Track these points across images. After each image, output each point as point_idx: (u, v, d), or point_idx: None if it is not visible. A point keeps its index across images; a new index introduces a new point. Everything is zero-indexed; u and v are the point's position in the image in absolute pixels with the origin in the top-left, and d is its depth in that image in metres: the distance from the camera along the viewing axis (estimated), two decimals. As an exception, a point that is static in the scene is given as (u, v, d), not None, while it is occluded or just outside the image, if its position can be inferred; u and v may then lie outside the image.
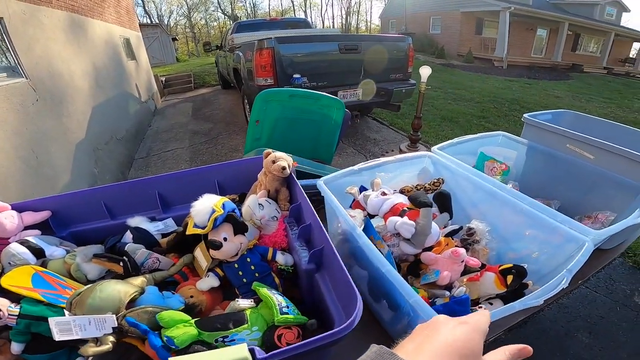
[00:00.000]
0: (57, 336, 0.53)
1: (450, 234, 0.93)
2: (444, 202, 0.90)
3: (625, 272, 2.51)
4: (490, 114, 6.51)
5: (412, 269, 0.86)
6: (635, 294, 2.29)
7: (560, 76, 13.72)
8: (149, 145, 5.86)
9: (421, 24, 19.79)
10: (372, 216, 1.01)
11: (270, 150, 0.92)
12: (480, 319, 0.41)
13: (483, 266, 0.85)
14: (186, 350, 0.55)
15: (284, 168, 0.87)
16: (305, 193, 1.14)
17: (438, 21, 18.77)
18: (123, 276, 0.77)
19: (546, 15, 15.99)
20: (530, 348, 0.41)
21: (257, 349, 0.47)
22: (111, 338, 0.56)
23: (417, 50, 17.64)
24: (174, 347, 0.54)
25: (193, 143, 5.60)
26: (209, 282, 0.73)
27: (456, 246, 0.98)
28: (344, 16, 40.44)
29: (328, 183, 1.08)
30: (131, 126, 5.79)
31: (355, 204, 1.05)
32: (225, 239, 0.71)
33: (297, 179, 1.31)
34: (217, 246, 0.70)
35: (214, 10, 37.98)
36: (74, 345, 0.63)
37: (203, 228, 0.70)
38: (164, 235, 0.97)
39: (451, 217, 0.90)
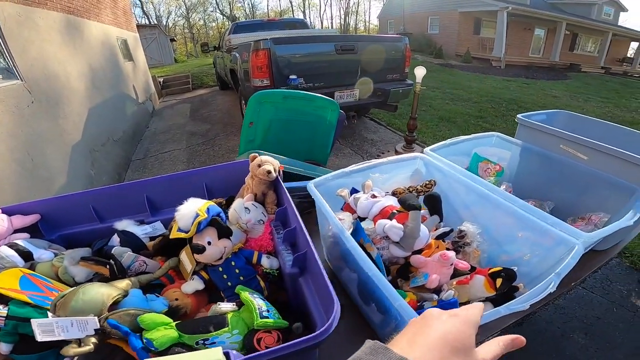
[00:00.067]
0: (40, 337, 0.54)
1: (441, 237, 0.92)
2: (434, 204, 0.89)
3: (622, 272, 2.50)
4: (487, 114, 6.51)
5: (402, 271, 0.86)
6: (632, 294, 2.28)
7: (558, 76, 13.73)
8: (146, 147, 5.85)
9: (419, 24, 19.81)
10: (362, 219, 1.00)
11: (256, 154, 0.92)
12: (471, 311, 0.42)
13: (473, 269, 0.84)
14: (166, 352, 0.56)
15: (269, 172, 0.87)
16: (298, 195, 1.14)
17: (436, 21, 18.79)
18: (109, 279, 0.78)
19: (544, 15, 16.01)
20: (523, 338, 0.42)
21: (232, 352, 0.47)
22: (93, 339, 0.57)
23: (415, 51, 17.68)
24: (153, 348, 0.55)
25: (190, 144, 5.59)
26: (194, 285, 0.73)
27: (447, 249, 0.97)
28: (343, 16, 40.47)
29: (319, 186, 1.07)
30: (128, 127, 5.78)
31: (346, 207, 1.04)
32: (209, 243, 0.71)
33: (291, 181, 1.31)
34: (200, 250, 0.70)
35: (212, 11, 37.97)
36: (62, 346, 0.63)
37: (187, 232, 0.70)
38: (152, 239, 0.97)
39: (441, 220, 0.89)
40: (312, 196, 0.99)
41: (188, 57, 26.79)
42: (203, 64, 14.97)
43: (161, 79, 10.93)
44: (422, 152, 1.27)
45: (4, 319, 0.65)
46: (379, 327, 0.86)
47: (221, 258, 0.74)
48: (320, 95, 1.87)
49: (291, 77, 3.60)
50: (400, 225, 0.80)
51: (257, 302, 0.61)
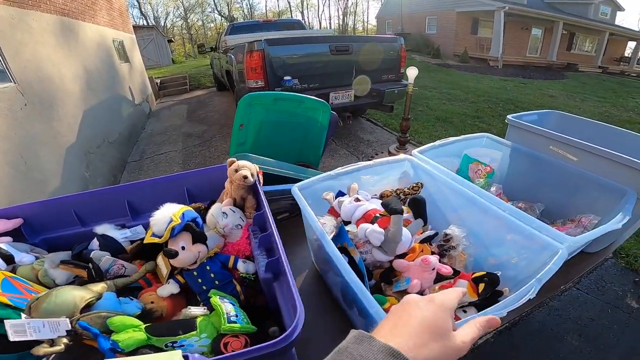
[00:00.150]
0: (12, 337, 0.55)
1: (426, 240, 0.91)
2: (418, 208, 0.88)
3: (617, 273, 2.49)
4: (484, 114, 6.50)
5: (385, 276, 0.84)
6: (628, 295, 2.26)
7: (555, 75, 13.75)
8: (142, 148, 5.84)
9: (417, 24, 19.83)
10: (347, 222, 0.99)
11: (234, 159, 0.91)
12: (447, 296, 0.44)
13: (457, 273, 0.83)
14: (134, 353, 0.57)
15: (245, 177, 0.86)
16: (289, 198, 1.13)
17: (434, 21, 18.80)
18: (88, 282, 0.79)
19: (541, 14, 16.04)
20: (498, 319, 0.46)
21: (195, 355, 0.47)
22: (65, 340, 0.58)
23: (413, 51, 17.71)
24: (119, 350, 0.56)
25: (186, 146, 5.58)
26: (169, 288, 0.74)
27: (433, 252, 0.96)
28: (341, 17, 40.49)
29: (304, 189, 1.06)
30: (124, 129, 5.76)
31: (331, 210, 1.02)
32: (183, 248, 0.72)
33: (282, 184, 1.30)
34: (173, 255, 0.71)
35: (210, 12, 37.95)
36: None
37: (160, 237, 0.71)
38: (133, 242, 0.97)
39: (425, 223, 0.88)
40: (296, 199, 0.98)
41: (186, 58, 26.79)
42: (200, 65, 14.95)
43: (158, 80, 10.91)
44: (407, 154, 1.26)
45: None
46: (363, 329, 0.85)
47: (195, 262, 0.75)
48: (310, 96, 1.86)
49: (285, 78, 3.58)
50: (381, 230, 0.79)
51: (226, 307, 0.62)
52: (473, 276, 0.79)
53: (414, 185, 1.11)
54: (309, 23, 41.41)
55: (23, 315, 0.64)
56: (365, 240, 0.84)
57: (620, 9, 20.50)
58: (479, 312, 0.71)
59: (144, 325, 0.61)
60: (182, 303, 0.78)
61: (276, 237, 0.66)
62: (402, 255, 0.87)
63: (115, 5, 7.27)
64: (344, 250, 0.89)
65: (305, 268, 1.25)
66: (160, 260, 0.79)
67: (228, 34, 6.56)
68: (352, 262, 0.85)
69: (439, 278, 0.83)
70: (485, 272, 0.78)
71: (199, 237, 0.75)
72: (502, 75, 12.45)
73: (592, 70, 16.89)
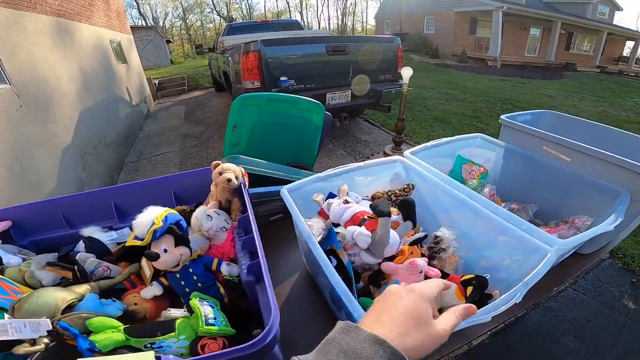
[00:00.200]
0: None
1: (416, 242, 0.90)
2: (407, 210, 0.87)
3: (614, 273, 2.48)
4: (482, 113, 6.50)
5: (374, 278, 0.83)
6: (625, 296, 2.25)
7: (553, 75, 13.76)
8: (139, 149, 5.82)
9: (415, 24, 19.84)
10: (338, 224, 0.98)
11: (218, 162, 0.91)
12: (427, 286, 0.47)
13: (446, 276, 0.82)
14: (112, 353, 0.58)
15: (229, 180, 0.86)
16: (279, 199, 1.12)
17: (432, 21, 18.81)
18: (73, 283, 0.81)
19: (539, 14, 16.05)
20: (474, 307, 0.49)
21: (167, 356, 0.48)
22: (45, 340, 0.60)
23: (411, 51, 17.72)
24: (97, 350, 0.58)
25: (184, 147, 5.56)
26: (152, 290, 0.75)
27: (423, 254, 0.95)
28: (340, 17, 40.50)
29: (294, 191, 1.05)
30: (121, 130, 5.75)
31: (320, 212, 1.01)
32: (165, 251, 0.72)
33: (275, 185, 1.29)
34: (154, 257, 0.71)
35: (209, 12, 37.92)
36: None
37: (142, 240, 0.72)
38: (119, 244, 0.96)
39: (414, 226, 0.87)
40: (284, 201, 0.97)
41: (185, 58, 26.75)
42: (199, 66, 14.94)
43: (156, 81, 10.89)
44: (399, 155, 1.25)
45: None
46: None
47: (178, 265, 0.75)
48: (304, 97, 1.85)
49: (282, 78, 3.58)
50: (368, 233, 0.78)
51: (205, 310, 0.63)
52: (462, 279, 0.78)
53: (405, 186, 1.10)
54: (308, 23, 41.45)
55: (6, 315, 0.66)
56: (353, 242, 0.83)
57: (619, 8, 20.53)
58: (468, 315, 0.71)
59: (123, 327, 0.62)
60: (167, 305, 0.78)
61: (257, 240, 0.65)
62: (391, 258, 0.85)
63: (113, 6, 7.26)
64: (332, 253, 0.89)
65: (297, 269, 1.24)
66: (144, 262, 0.80)
67: (225, 35, 6.54)
68: (340, 264, 0.84)
69: (428, 281, 0.81)
70: (474, 275, 0.77)
71: (181, 240, 0.75)
72: (500, 75, 12.45)
73: (591, 70, 16.90)
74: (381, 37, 4.56)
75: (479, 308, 0.67)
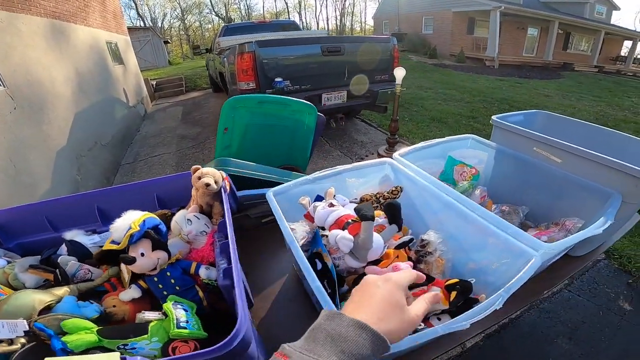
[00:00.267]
0: None
1: (402, 246, 0.89)
2: (393, 213, 0.86)
3: (610, 274, 2.46)
4: (479, 114, 6.49)
5: (358, 282, 0.82)
6: (620, 297, 2.23)
7: (551, 75, 13.77)
8: (136, 151, 5.81)
9: (413, 25, 19.85)
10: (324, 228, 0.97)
11: (198, 166, 0.90)
12: (402, 276, 0.53)
13: (431, 280, 0.81)
14: (86, 354, 0.60)
15: (207, 185, 0.85)
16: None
17: (430, 21, 18.82)
18: (55, 285, 0.83)
19: (536, 14, 16.07)
20: (440, 295, 0.57)
21: (134, 357, 0.50)
22: (22, 340, 0.62)
23: (409, 51, 17.73)
24: (69, 350, 0.59)
25: (180, 148, 5.55)
26: (130, 293, 0.76)
27: (409, 258, 0.94)
28: (339, 17, 40.50)
29: (279, 194, 1.04)
30: (117, 131, 5.73)
31: (306, 215, 1.00)
32: (142, 254, 0.73)
33: (266, 188, 1.28)
34: (129, 261, 0.72)
35: (208, 13, 37.89)
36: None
37: (119, 244, 0.73)
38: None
39: (400, 229, 0.86)
40: (270, 205, 0.96)
41: (184, 59, 26.70)
42: (197, 66, 14.93)
43: (154, 82, 10.88)
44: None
45: None
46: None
47: (155, 268, 0.76)
48: (296, 99, 1.84)
49: (277, 79, 3.56)
50: (350, 237, 0.76)
51: (178, 313, 0.64)
52: (446, 283, 0.76)
53: (394, 189, 1.09)
54: (307, 24, 41.49)
55: None
56: (337, 246, 0.81)
57: (616, 8, 20.57)
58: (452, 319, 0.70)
59: (96, 328, 0.64)
60: (146, 307, 0.78)
61: (231, 244, 0.65)
62: (377, 262, 0.84)
63: (109, 8, 7.24)
64: (318, 256, 0.88)
65: (287, 272, 1.23)
66: (123, 266, 0.81)
67: (222, 36, 6.53)
68: (326, 268, 0.83)
69: (412, 285, 0.80)
70: (458, 280, 0.76)
71: (158, 244, 0.76)
72: (498, 75, 12.46)
73: (588, 69, 16.93)
74: (377, 38, 4.54)
75: (463, 312, 0.66)
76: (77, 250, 0.94)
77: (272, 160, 1.92)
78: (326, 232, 0.95)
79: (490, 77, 11.79)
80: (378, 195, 1.12)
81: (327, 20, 42.28)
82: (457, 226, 0.96)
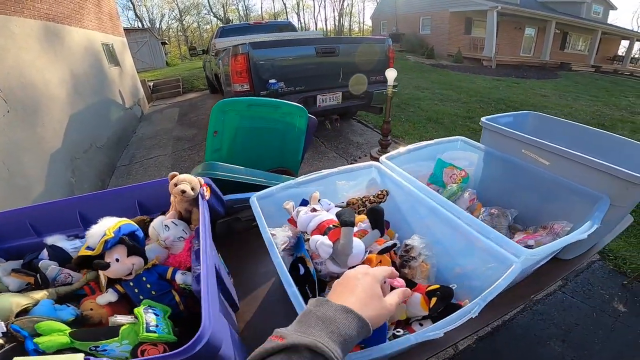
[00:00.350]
0: None
1: (384, 251, 0.87)
2: (375, 218, 0.84)
3: (604, 276, 2.45)
4: (475, 114, 6.49)
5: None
6: (615, 299, 2.22)
7: (548, 75, 13.79)
8: (132, 152, 5.79)
9: (411, 25, 19.87)
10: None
11: (175, 172, 0.90)
12: (378, 271, 0.59)
13: (413, 285, 0.80)
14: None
15: (183, 192, 0.85)
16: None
17: (428, 21, 18.84)
18: (35, 289, 0.85)
19: (533, 14, 16.10)
20: (409, 290, 0.65)
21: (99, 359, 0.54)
22: (0, 341, 0.64)
23: (407, 51, 17.75)
24: (41, 351, 0.61)
25: (176, 149, 5.54)
26: (107, 297, 0.77)
27: (394, 262, 0.93)
28: (337, 18, 40.51)
29: (263, 198, 1.03)
30: (113, 133, 5.71)
31: (290, 220, 0.99)
32: (117, 260, 0.75)
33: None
34: (103, 267, 0.74)
35: (206, 14, 37.85)
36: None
37: (94, 250, 0.75)
38: (81, 253, 0.98)
39: (382, 234, 0.84)
40: (252, 210, 0.95)
41: (182, 60, 26.64)
42: (194, 67, 14.90)
43: (151, 83, 10.85)
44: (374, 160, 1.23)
45: None
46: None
47: (131, 274, 0.78)
48: (286, 101, 1.83)
49: (270, 81, 3.55)
50: (330, 243, 0.75)
51: (148, 317, 0.66)
52: (428, 289, 0.75)
53: (379, 192, 1.08)
54: (306, 24, 41.50)
55: None
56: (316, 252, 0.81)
57: (613, 7, 20.62)
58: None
59: (69, 330, 0.65)
60: (123, 311, 0.80)
61: (202, 252, 0.66)
62: (359, 268, 0.83)
63: (105, 9, 7.22)
64: (301, 261, 0.87)
65: (275, 274, 1.22)
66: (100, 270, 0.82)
67: (218, 37, 6.52)
68: (309, 272, 0.82)
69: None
70: (439, 286, 0.75)
71: (133, 250, 0.77)
72: (495, 75, 12.47)
73: (586, 69, 16.97)
74: (371, 38, 4.54)
75: (444, 317, 0.65)
76: (58, 254, 0.96)
77: (263, 163, 1.91)
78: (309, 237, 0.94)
79: (487, 77, 11.79)
80: (364, 199, 1.11)
81: (326, 21, 42.26)
82: (442, 231, 0.95)
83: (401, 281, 0.75)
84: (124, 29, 9.25)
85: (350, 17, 42.08)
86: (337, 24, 40.25)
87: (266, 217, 0.94)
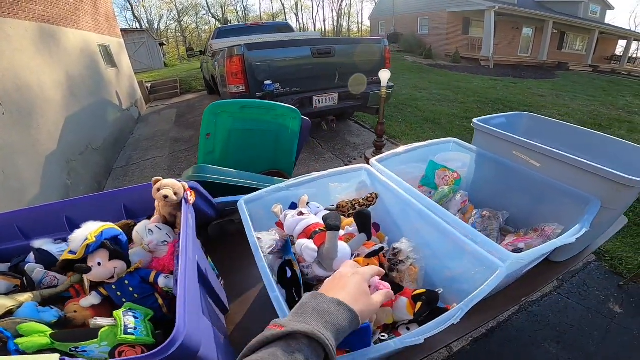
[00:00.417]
0: None
1: (372, 255, 0.87)
2: (362, 221, 0.84)
3: (600, 276, 2.44)
4: (473, 114, 6.48)
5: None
6: (610, 300, 2.21)
7: (546, 75, 13.80)
8: (129, 154, 5.78)
9: (409, 25, 19.89)
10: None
11: (159, 177, 0.89)
12: (366, 270, 0.63)
13: (400, 289, 0.79)
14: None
15: (165, 197, 0.85)
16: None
17: (426, 22, 18.85)
18: (21, 291, 0.86)
19: (531, 14, 16.12)
20: (391, 292, 0.68)
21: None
22: None
23: (405, 52, 17.77)
24: (21, 351, 0.63)
25: (173, 151, 5.52)
26: (90, 300, 0.78)
27: (382, 265, 0.92)
28: (335, 18, 40.52)
29: (252, 202, 1.03)
30: (109, 135, 5.69)
31: (278, 223, 0.99)
32: (99, 264, 0.76)
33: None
34: (84, 270, 0.75)
35: (204, 14, 37.80)
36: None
37: (76, 254, 0.76)
38: (66, 257, 0.98)
39: (369, 238, 0.84)
40: (240, 213, 0.95)
41: (180, 60, 26.60)
42: (192, 68, 14.88)
43: (149, 84, 10.82)
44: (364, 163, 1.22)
45: None
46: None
47: (113, 277, 0.78)
48: (279, 103, 1.82)
49: (266, 82, 3.54)
50: (314, 247, 0.75)
51: (127, 320, 0.68)
52: (414, 293, 0.75)
53: (369, 195, 1.07)
54: (304, 25, 41.53)
55: None
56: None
57: (610, 7, 20.66)
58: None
59: (50, 332, 0.67)
60: (107, 313, 0.80)
61: (182, 256, 0.67)
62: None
63: (101, 10, 7.21)
64: (288, 264, 0.86)
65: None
66: None
67: (215, 38, 6.51)
68: (296, 276, 0.82)
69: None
70: (425, 290, 0.74)
71: (115, 254, 0.78)
72: (493, 75, 12.48)
73: (583, 69, 17.00)
74: (368, 39, 4.53)
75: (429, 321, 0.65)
76: (45, 258, 0.96)
77: (257, 165, 1.91)
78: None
79: (485, 77, 11.80)
80: (354, 202, 1.10)
81: (324, 22, 42.27)
82: (431, 234, 0.95)
83: (386, 284, 0.74)
84: (122, 30, 9.24)
85: (349, 18, 42.13)
86: (335, 24, 40.30)
87: (255, 220, 0.94)
